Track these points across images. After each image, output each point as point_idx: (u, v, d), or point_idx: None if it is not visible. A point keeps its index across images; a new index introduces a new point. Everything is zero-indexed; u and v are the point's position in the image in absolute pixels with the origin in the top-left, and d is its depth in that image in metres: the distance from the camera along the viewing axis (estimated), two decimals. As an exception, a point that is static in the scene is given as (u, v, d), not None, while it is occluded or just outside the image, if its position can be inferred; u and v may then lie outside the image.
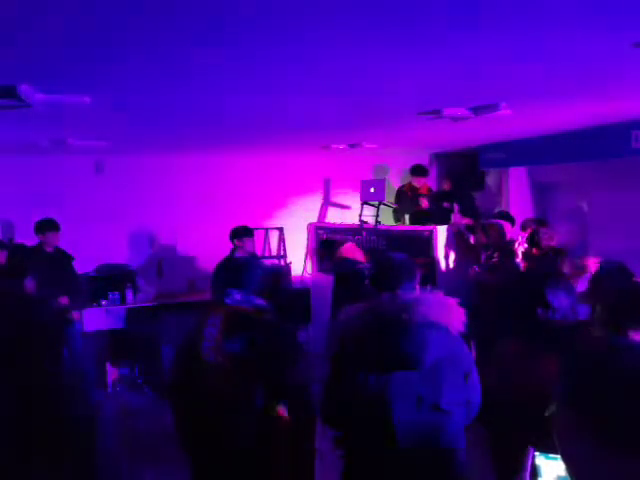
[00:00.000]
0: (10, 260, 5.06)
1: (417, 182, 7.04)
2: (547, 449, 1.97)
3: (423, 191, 7.04)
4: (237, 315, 2.79)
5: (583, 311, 2.47)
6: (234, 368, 2.70)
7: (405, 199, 7.08)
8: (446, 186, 7.21)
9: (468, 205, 6.79)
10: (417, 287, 2.52)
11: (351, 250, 5.55)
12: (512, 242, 5.15)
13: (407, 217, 6.96)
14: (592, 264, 4.36)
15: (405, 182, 7.44)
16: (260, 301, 2.86)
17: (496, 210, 6.80)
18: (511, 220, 5.73)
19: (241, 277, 2.89)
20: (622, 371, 1.06)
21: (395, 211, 7.10)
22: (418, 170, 7.05)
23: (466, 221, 5.89)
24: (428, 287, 2.51)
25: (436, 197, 7.10)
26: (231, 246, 5.72)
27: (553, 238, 4.89)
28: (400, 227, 6.75)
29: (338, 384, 2.43)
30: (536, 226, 5.18)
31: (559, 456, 1.83)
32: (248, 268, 2.96)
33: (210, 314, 2.84)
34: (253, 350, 2.70)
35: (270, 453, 2.75)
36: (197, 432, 2.84)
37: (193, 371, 2.79)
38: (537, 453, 2.00)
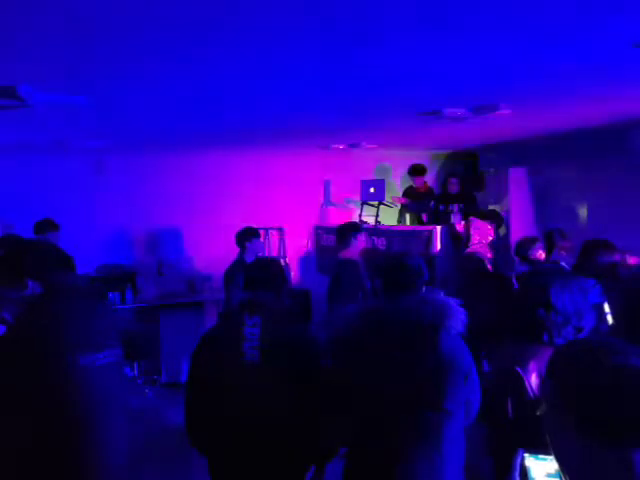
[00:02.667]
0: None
1: (416, 182, 7.06)
2: (537, 449, 1.97)
3: (423, 190, 7.06)
4: (276, 315, 2.85)
5: (589, 318, 2.45)
6: (275, 367, 2.71)
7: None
8: (454, 187, 7.20)
9: (470, 206, 6.81)
10: (422, 288, 2.48)
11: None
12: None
13: (407, 217, 6.98)
14: None
15: (406, 182, 7.45)
16: (287, 301, 2.96)
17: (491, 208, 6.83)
18: (495, 219, 5.72)
19: (271, 278, 2.97)
20: (609, 368, 1.06)
21: (400, 213, 7.15)
22: (415, 170, 7.06)
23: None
24: (429, 287, 2.50)
25: (440, 199, 7.13)
26: (232, 245, 5.70)
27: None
28: (400, 227, 6.76)
29: (339, 384, 2.42)
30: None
31: (549, 457, 1.83)
32: (279, 270, 3.06)
33: (246, 314, 2.83)
34: (291, 349, 2.73)
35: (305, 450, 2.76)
36: (228, 432, 2.80)
37: (229, 371, 2.75)
38: (526, 454, 1.99)
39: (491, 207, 7.47)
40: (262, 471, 2.69)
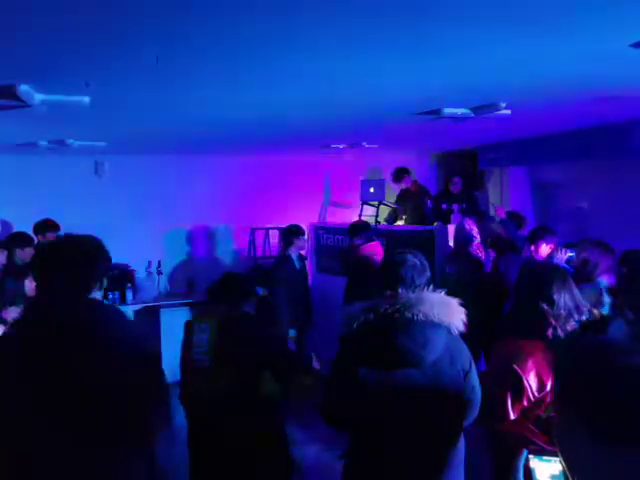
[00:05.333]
0: (10, 260, 5.06)
1: (405, 184, 7.08)
2: (541, 451, 1.97)
3: (414, 190, 7.07)
4: (228, 321, 3.18)
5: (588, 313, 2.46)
6: (225, 369, 3.02)
7: (401, 202, 7.15)
8: (457, 187, 7.20)
9: (471, 206, 6.81)
10: (426, 286, 2.46)
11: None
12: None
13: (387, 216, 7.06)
14: None
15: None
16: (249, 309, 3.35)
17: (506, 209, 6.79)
18: (514, 220, 5.68)
19: (229, 292, 3.40)
20: (622, 367, 1.06)
21: (394, 212, 7.15)
22: (398, 176, 7.11)
23: None
24: (430, 286, 2.49)
25: (441, 198, 7.13)
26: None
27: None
28: (400, 227, 6.75)
29: (340, 383, 2.42)
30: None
31: (553, 458, 1.84)
32: (238, 285, 3.43)
33: (195, 323, 3.23)
34: (241, 349, 3.06)
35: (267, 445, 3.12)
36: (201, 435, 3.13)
37: (188, 375, 3.14)
38: (531, 456, 2.00)
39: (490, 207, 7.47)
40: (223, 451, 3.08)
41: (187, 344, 3.18)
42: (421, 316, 2.29)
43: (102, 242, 2.03)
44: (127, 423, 1.71)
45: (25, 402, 1.68)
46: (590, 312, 2.44)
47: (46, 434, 1.66)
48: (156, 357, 1.88)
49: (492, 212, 7.19)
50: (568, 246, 4.68)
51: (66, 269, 1.87)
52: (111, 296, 6.49)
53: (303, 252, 6.15)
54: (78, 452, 1.66)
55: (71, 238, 2.00)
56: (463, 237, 5.27)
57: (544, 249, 4.75)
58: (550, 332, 2.38)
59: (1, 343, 2.02)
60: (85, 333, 1.76)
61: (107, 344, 1.79)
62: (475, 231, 5.23)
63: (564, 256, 4.56)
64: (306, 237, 6.03)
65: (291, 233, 5.87)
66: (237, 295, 3.28)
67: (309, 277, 6.46)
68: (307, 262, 6.49)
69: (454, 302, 2.39)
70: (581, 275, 3.79)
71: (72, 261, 1.89)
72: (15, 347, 1.79)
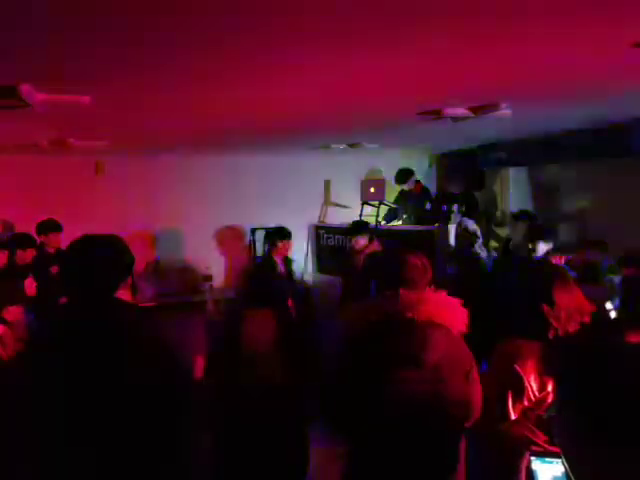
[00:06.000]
0: (10, 260, 5.06)
1: (408, 186, 7.07)
2: (543, 452, 1.96)
3: (416, 191, 7.06)
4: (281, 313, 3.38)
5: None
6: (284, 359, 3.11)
7: (401, 202, 7.15)
8: (456, 186, 7.21)
9: (470, 206, 6.80)
10: (426, 286, 2.46)
11: None
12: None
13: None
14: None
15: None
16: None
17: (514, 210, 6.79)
18: (523, 219, 5.66)
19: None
20: (624, 368, 1.06)
21: (392, 211, 7.14)
22: (403, 177, 7.08)
23: None
24: (431, 287, 2.49)
25: (441, 198, 7.13)
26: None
27: None
28: (400, 227, 6.75)
29: (340, 383, 2.42)
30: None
31: (555, 460, 1.83)
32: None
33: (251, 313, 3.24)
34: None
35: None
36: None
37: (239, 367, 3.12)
38: (533, 457, 1.99)
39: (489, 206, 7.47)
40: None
41: (240, 334, 3.19)
42: (422, 316, 2.29)
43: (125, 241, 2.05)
44: (154, 423, 1.70)
45: (53, 404, 1.67)
46: (591, 313, 2.44)
47: (68, 439, 1.65)
48: (180, 355, 1.88)
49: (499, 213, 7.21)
50: (565, 250, 4.68)
51: (99, 268, 1.86)
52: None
53: (289, 254, 6.04)
54: (100, 457, 1.64)
55: (99, 237, 2.00)
56: (464, 237, 5.27)
57: (542, 248, 4.77)
58: (551, 333, 2.38)
59: (33, 345, 2.01)
60: (114, 333, 1.75)
61: (136, 344, 1.79)
62: (478, 231, 5.24)
63: (563, 257, 4.57)
64: (292, 241, 5.90)
65: (274, 236, 5.77)
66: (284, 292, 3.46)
67: (297, 279, 6.40)
68: (308, 262, 6.49)
69: (455, 302, 2.39)
70: (581, 275, 3.80)
71: (105, 260, 1.90)
72: (46, 349, 1.78)
